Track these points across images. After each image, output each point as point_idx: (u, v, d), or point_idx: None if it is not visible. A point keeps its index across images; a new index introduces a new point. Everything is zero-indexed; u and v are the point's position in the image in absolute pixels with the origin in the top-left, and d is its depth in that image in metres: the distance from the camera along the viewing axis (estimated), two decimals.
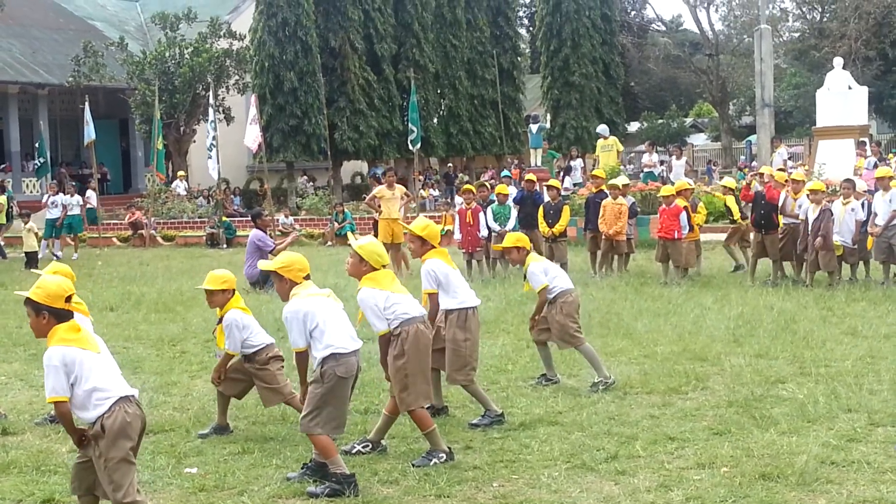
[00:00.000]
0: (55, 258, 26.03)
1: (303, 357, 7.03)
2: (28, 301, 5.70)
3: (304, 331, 6.88)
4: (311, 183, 42.87)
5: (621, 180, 19.24)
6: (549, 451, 7.67)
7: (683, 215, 17.25)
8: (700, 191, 24.20)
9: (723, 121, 54.69)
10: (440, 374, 8.65)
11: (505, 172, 28.03)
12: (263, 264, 7.64)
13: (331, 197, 34.35)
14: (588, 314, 12.49)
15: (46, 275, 5.80)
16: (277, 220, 28.69)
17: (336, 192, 38.30)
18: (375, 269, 7.38)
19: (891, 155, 30.12)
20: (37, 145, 35.11)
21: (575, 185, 31.00)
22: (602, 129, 33.28)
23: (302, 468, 7.14)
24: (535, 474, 7.15)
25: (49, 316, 5.69)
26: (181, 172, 38.60)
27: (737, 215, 18.64)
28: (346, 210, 29.98)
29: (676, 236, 17.07)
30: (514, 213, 18.68)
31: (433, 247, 8.35)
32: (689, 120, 63.64)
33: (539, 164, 33.09)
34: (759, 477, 6.84)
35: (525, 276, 9.79)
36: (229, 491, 6.97)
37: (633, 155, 44.57)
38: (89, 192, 30.51)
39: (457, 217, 19.26)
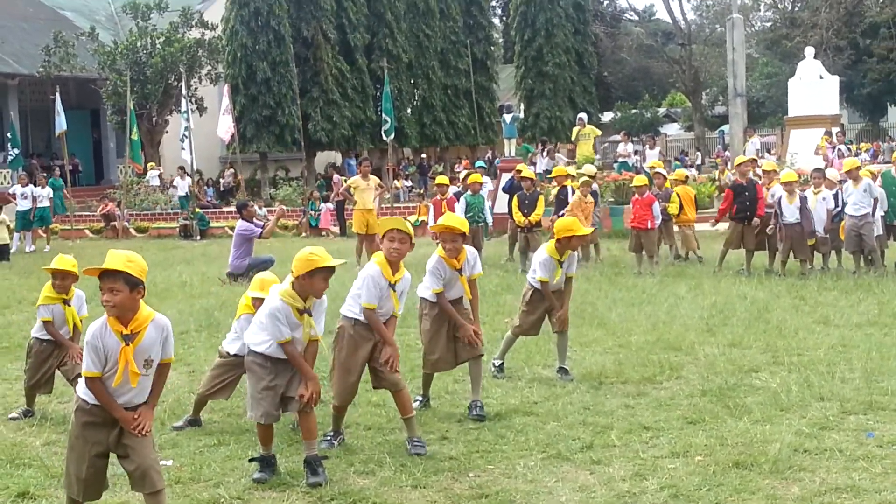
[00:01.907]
0: (27, 252, 25.89)
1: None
2: (121, 275, 5.54)
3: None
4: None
5: (588, 170, 19.34)
6: (524, 442, 7.69)
7: (656, 205, 17.34)
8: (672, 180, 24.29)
9: (696, 110, 54.89)
10: None
11: (479, 163, 28.06)
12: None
13: (304, 188, 34.27)
14: None
15: (123, 252, 5.68)
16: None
17: (309, 183, 38.20)
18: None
19: (860, 146, 30.33)
20: (8, 136, 34.86)
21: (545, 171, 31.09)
22: (582, 115, 33.34)
23: (262, 464, 7.09)
24: (511, 464, 7.17)
25: (143, 291, 5.64)
26: (151, 164, 38.38)
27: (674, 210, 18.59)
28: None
29: (649, 226, 17.14)
30: (487, 203, 18.71)
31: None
32: (662, 110, 63.81)
33: (513, 154, 33.11)
34: (732, 465, 6.89)
35: (561, 264, 9.70)
36: (205, 483, 6.95)
37: (606, 145, 44.72)
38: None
39: (431, 207, 19.26)
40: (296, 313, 6.79)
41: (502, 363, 10.01)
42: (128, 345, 5.59)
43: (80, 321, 8.97)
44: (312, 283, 6.76)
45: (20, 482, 7.00)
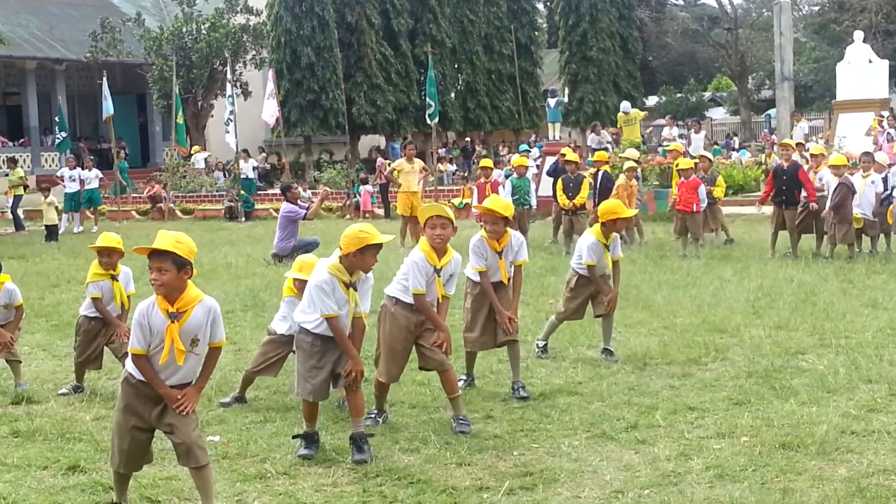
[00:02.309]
0: (76, 233, 26.21)
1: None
2: (169, 256, 5.62)
3: None
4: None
5: (631, 154, 19.25)
6: (569, 421, 7.69)
7: (702, 188, 17.24)
8: (719, 164, 24.17)
9: (742, 95, 54.47)
10: None
11: (523, 146, 27.99)
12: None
13: (348, 171, 34.39)
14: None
15: (173, 233, 5.76)
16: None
17: (353, 166, 38.31)
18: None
19: None
20: (56, 120, 35.23)
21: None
22: (624, 105, 33.22)
23: (308, 440, 7.14)
24: (556, 443, 7.17)
25: (190, 272, 5.71)
26: (197, 147, 38.64)
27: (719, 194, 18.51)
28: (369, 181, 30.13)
29: (695, 209, 17.04)
30: (532, 186, 18.67)
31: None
32: (707, 94, 63.36)
33: (557, 137, 33.04)
34: (778, 446, 6.85)
35: (608, 248, 9.68)
36: (252, 458, 7.02)
37: (651, 129, 44.48)
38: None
39: (475, 190, 19.26)
40: (342, 286, 6.84)
41: (546, 344, 10.01)
42: (173, 322, 5.66)
43: (128, 298, 9.07)
44: (363, 259, 6.81)
45: (71, 456, 7.10)
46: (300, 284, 7.92)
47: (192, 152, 37.64)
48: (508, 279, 8.53)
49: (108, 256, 8.91)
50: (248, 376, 8.59)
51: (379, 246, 6.84)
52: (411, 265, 7.56)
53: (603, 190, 17.88)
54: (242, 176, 32.30)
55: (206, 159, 37.82)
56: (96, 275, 8.99)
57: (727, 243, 18.23)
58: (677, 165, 17.89)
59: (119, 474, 5.96)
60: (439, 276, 7.59)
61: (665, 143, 30.92)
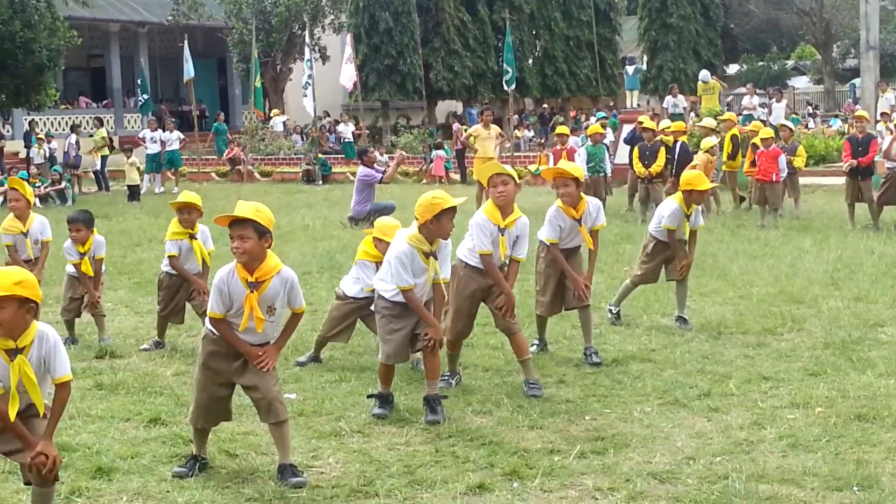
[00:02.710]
0: (156, 193, 26.66)
1: None
2: (250, 223, 5.73)
3: None
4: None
5: (708, 123, 19.03)
6: (641, 387, 7.70)
7: (782, 158, 17.03)
8: (800, 134, 23.81)
9: (826, 63, 53.39)
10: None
11: (600, 114, 27.81)
12: None
13: (425, 136, 34.45)
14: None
15: (252, 202, 5.89)
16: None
17: (431, 131, 38.37)
18: None
19: None
20: (139, 82, 35.75)
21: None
22: (703, 74, 32.79)
23: (381, 400, 7.23)
24: (628, 409, 7.19)
25: (270, 240, 5.84)
26: (276, 111, 38.96)
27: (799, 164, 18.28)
28: (445, 146, 30.13)
29: (774, 179, 16.84)
30: (606, 154, 18.55)
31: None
32: (790, 62, 62.14)
33: (635, 105, 32.78)
34: (854, 418, 6.80)
35: (688, 217, 9.65)
36: (327, 416, 7.14)
37: (731, 97, 43.84)
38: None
39: (551, 157, 19.22)
40: (422, 256, 6.92)
41: (619, 311, 10.00)
42: (252, 292, 5.79)
43: (208, 254, 9.24)
44: (440, 225, 6.87)
45: (152, 409, 7.30)
46: (382, 245, 8.02)
47: (272, 115, 37.93)
48: (593, 245, 8.54)
49: (188, 213, 9.08)
50: (321, 340, 8.72)
51: (453, 210, 6.89)
52: (475, 226, 7.60)
53: (681, 160, 17.71)
54: (345, 139, 32.60)
55: (284, 122, 38.11)
56: (175, 234, 9.17)
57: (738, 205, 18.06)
58: (750, 136, 17.74)
59: (198, 429, 6.12)
60: (503, 236, 7.59)
61: (745, 112, 30.54)
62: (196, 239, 9.17)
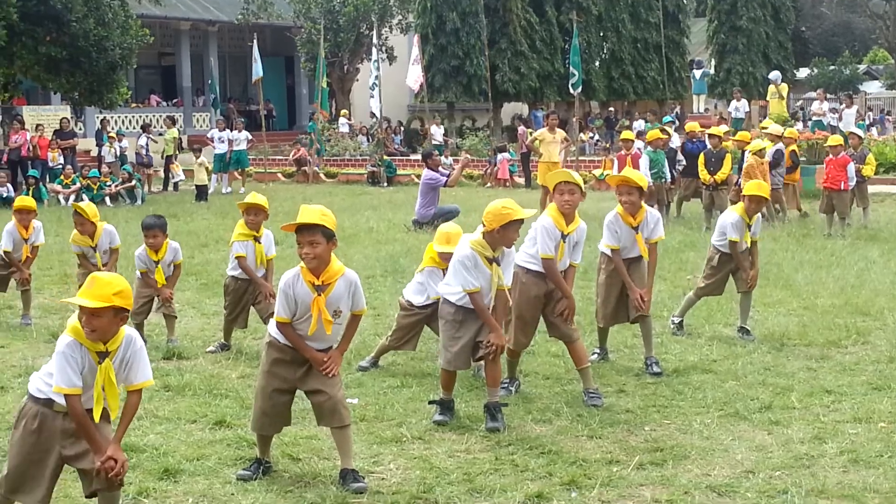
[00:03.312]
0: (224, 193, 26.99)
1: None
2: (319, 228, 5.85)
3: None
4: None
5: (775, 130, 18.84)
6: (701, 399, 7.70)
7: (851, 166, 16.83)
8: (870, 141, 23.51)
9: None
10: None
11: (667, 118, 27.62)
12: None
13: (490, 138, 34.47)
14: None
15: (315, 206, 6.01)
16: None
17: (496, 134, 38.40)
18: None
19: None
20: (208, 81, 36.21)
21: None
22: (774, 75, 32.43)
23: (442, 407, 7.29)
24: (688, 420, 7.20)
25: (336, 242, 5.97)
26: (344, 111, 39.21)
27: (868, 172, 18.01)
28: (510, 149, 30.16)
29: (843, 187, 16.66)
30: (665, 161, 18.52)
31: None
32: (862, 67, 61.28)
33: (702, 110, 32.54)
34: None
35: (749, 226, 9.63)
36: (388, 422, 7.23)
37: (801, 102, 43.35)
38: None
39: (616, 162, 19.17)
40: (485, 261, 6.99)
41: (682, 321, 9.98)
42: (319, 295, 5.90)
43: (268, 261, 9.36)
44: (505, 234, 6.94)
45: (217, 411, 7.45)
46: (445, 257, 8.08)
47: (340, 115, 38.10)
48: (647, 255, 8.55)
49: (255, 215, 9.21)
50: (386, 348, 8.80)
51: (521, 221, 6.96)
52: (540, 230, 7.64)
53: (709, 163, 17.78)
54: (435, 142, 32.82)
55: (350, 124, 38.31)
56: (241, 234, 9.30)
57: (802, 216, 17.84)
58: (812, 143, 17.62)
59: (261, 435, 6.24)
60: (564, 242, 7.64)
61: (815, 118, 30.22)
62: (260, 243, 9.29)
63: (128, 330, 5.15)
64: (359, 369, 8.65)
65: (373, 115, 36.58)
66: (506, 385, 7.86)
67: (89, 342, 5.00)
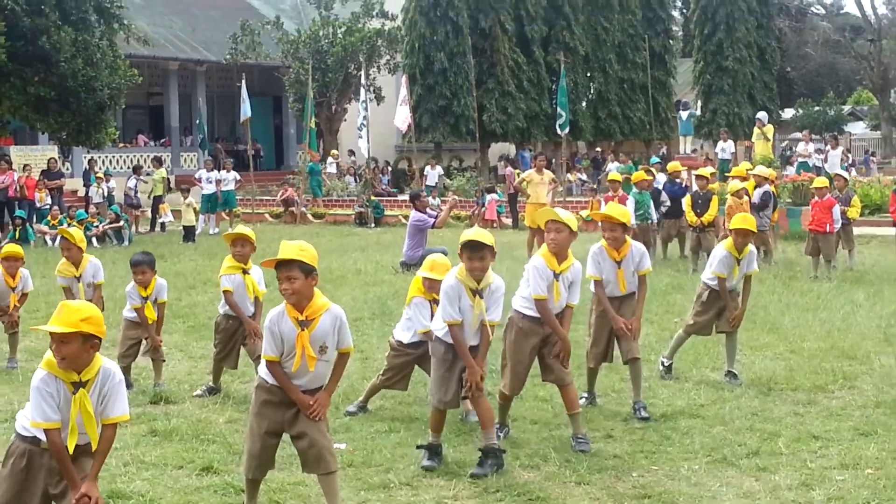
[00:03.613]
0: (211, 234, 26.98)
1: None
2: (296, 264, 5.85)
3: None
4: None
5: (762, 171, 18.90)
6: (689, 444, 7.70)
7: (836, 208, 16.92)
8: (855, 182, 23.66)
9: (883, 109, 53.04)
10: None
11: (654, 159, 27.80)
12: None
13: (478, 179, 34.57)
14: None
15: (295, 241, 6.04)
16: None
17: (483, 174, 38.52)
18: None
19: None
20: (197, 122, 36.30)
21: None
22: (761, 114, 32.67)
23: (430, 452, 7.28)
24: (675, 466, 7.20)
25: (316, 277, 5.96)
26: (334, 151, 39.26)
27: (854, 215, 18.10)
28: (497, 190, 30.23)
29: (828, 230, 16.74)
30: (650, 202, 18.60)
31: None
32: (847, 107, 61.77)
33: (688, 151, 32.74)
34: None
35: (739, 261, 9.66)
36: (376, 468, 7.21)
37: (786, 143, 43.62)
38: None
39: (603, 203, 19.22)
40: (468, 292, 7.02)
41: (671, 364, 9.99)
42: (303, 330, 5.90)
43: (261, 294, 9.34)
44: (465, 259, 7.01)
45: (205, 457, 7.41)
46: (430, 283, 8.13)
47: (329, 156, 38.14)
48: (626, 289, 8.57)
49: (241, 247, 9.17)
50: (376, 388, 8.78)
51: (475, 244, 6.92)
52: (531, 270, 7.67)
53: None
54: (429, 183, 32.94)
55: (337, 164, 38.37)
56: (229, 268, 9.26)
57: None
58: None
59: (250, 480, 6.22)
60: (558, 282, 7.65)
61: (800, 159, 30.38)
62: (249, 274, 9.26)
63: (106, 362, 5.18)
64: (346, 414, 8.62)
65: (351, 153, 36.78)
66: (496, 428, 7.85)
67: (62, 372, 5.03)
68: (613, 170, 26.38)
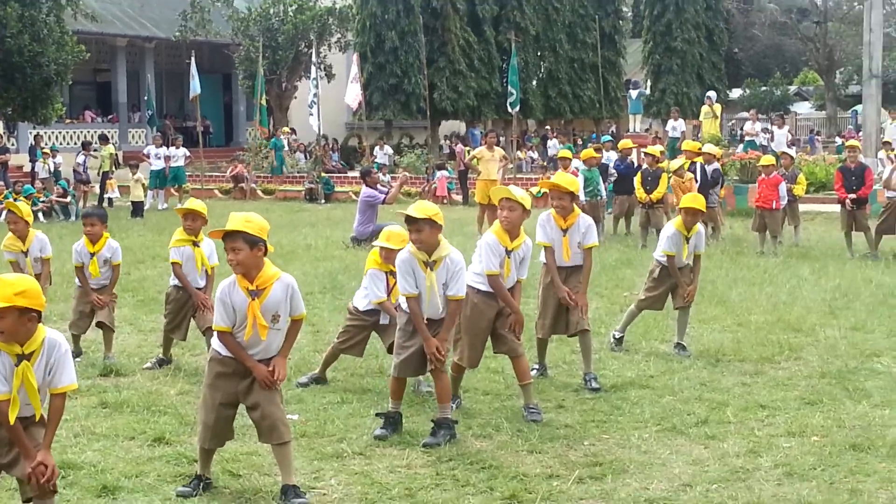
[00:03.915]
0: (160, 209, 26.77)
1: None
2: (240, 235, 5.86)
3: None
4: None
5: (710, 149, 19.02)
6: (639, 414, 7.80)
7: (783, 185, 17.14)
8: (801, 160, 23.94)
9: (828, 90, 53.63)
10: None
11: (605, 137, 27.91)
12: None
13: (428, 156, 34.56)
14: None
15: (243, 213, 6.03)
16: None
17: (433, 152, 38.52)
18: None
19: None
20: (145, 98, 35.92)
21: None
22: (711, 93, 32.94)
23: (385, 421, 7.35)
24: (626, 435, 7.28)
25: (264, 248, 5.95)
26: (286, 129, 38.99)
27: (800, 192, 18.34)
28: (448, 167, 30.24)
29: (775, 206, 16.95)
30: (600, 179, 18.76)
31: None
32: (793, 88, 62.39)
33: (638, 129, 32.93)
34: (849, 447, 6.89)
35: (688, 239, 9.76)
36: (329, 438, 7.23)
37: (733, 122, 43.97)
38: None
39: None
40: (421, 265, 7.11)
41: (622, 336, 10.09)
42: (254, 300, 5.90)
43: (211, 268, 9.31)
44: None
45: (156, 428, 7.38)
46: (386, 253, 8.19)
47: (281, 133, 37.87)
48: (570, 260, 8.64)
49: (192, 220, 9.17)
50: (334, 352, 8.80)
51: (411, 219, 7.04)
52: (484, 247, 7.73)
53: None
54: (377, 162, 32.83)
55: (288, 140, 38.19)
56: (178, 241, 9.25)
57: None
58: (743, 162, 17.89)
59: (204, 449, 6.21)
60: (509, 259, 7.71)
61: (747, 138, 30.68)
62: (199, 247, 9.23)
63: (50, 333, 5.14)
64: (298, 385, 8.62)
65: (293, 130, 36.58)
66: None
67: (6, 345, 5.01)
68: (553, 148, 26.54)
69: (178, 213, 9.35)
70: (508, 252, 7.69)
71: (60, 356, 5.12)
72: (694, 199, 9.90)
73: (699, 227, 9.91)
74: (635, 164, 20.22)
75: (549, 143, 41.40)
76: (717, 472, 6.51)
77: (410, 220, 7.05)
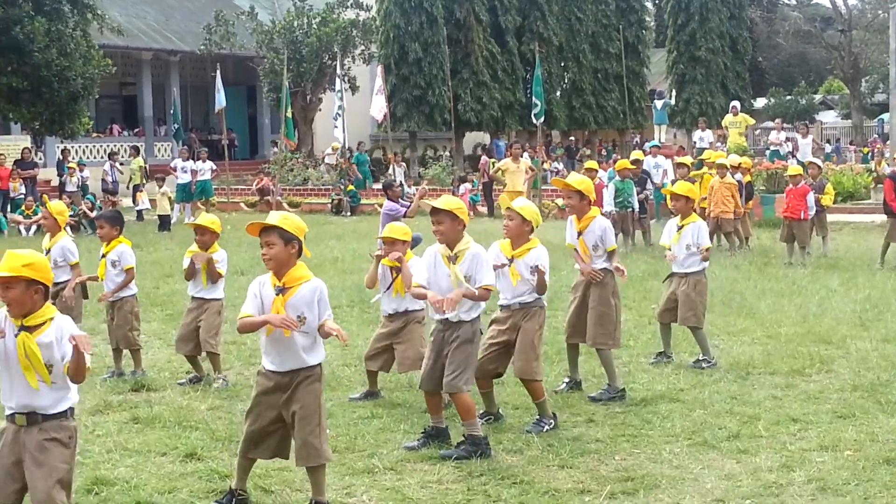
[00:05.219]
0: (187, 223, 26.85)
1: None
2: (275, 230, 5.97)
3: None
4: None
5: (733, 160, 19.05)
6: (670, 428, 7.77)
7: (811, 195, 17.04)
8: (828, 170, 23.81)
9: (854, 98, 53.35)
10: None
11: (652, 143, 27.74)
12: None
13: (453, 168, 34.57)
14: (711, 293, 12.42)
15: (282, 212, 6.14)
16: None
17: (457, 163, 38.53)
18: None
19: None
20: (171, 112, 36.09)
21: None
22: (735, 103, 32.80)
23: (422, 434, 7.37)
24: (657, 449, 7.26)
25: (298, 247, 6.01)
26: (335, 144, 38.77)
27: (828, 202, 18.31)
28: (473, 179, 30.24)
29: (802, 217, 16.86)
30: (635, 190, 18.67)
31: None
32: (818, 96, 62.12)
33: (662, 140, 32.81)
34: (883, 461, 6.84)
35: (679, 229, 9.78)
36: (360, 453, 7.23)
37: (759, 132, 43.80)
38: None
39: None
40: (444, 259, 7.20)
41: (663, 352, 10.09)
42: (279, 295, 5.96)
43: (219, 274, 9.47)
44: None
45: (188, 443, 7.41)
46: (385, 240, 8.57)
47: (331, 152, 37.53)
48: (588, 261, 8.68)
49: (202, 235, 9.37)
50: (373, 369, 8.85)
51: (435, 210, 7.13)
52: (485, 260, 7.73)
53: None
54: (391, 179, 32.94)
55: (318, 153, 38.14)
56: (190, 251, 9.51)
57: (740, 248, 18.01)
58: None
59: (246, 458, 6.18)
60: (512, 265, 7.70)
61: (772, 148, 30.53)
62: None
63: (59, 319, 5.14)
64: (350, 400, 8.66)
65: (349, 150, 36.59)
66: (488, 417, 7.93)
67: (14, 319, 5.11)
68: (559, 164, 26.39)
69: (190, 226, 9.55)
70: (510, 260, 7.70)
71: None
72: (680, 185, 10.10)
73: (699, 223, 9.87)
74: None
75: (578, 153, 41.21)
76: (749, 487, 6.48)
77: (434, 212, 7.16)
